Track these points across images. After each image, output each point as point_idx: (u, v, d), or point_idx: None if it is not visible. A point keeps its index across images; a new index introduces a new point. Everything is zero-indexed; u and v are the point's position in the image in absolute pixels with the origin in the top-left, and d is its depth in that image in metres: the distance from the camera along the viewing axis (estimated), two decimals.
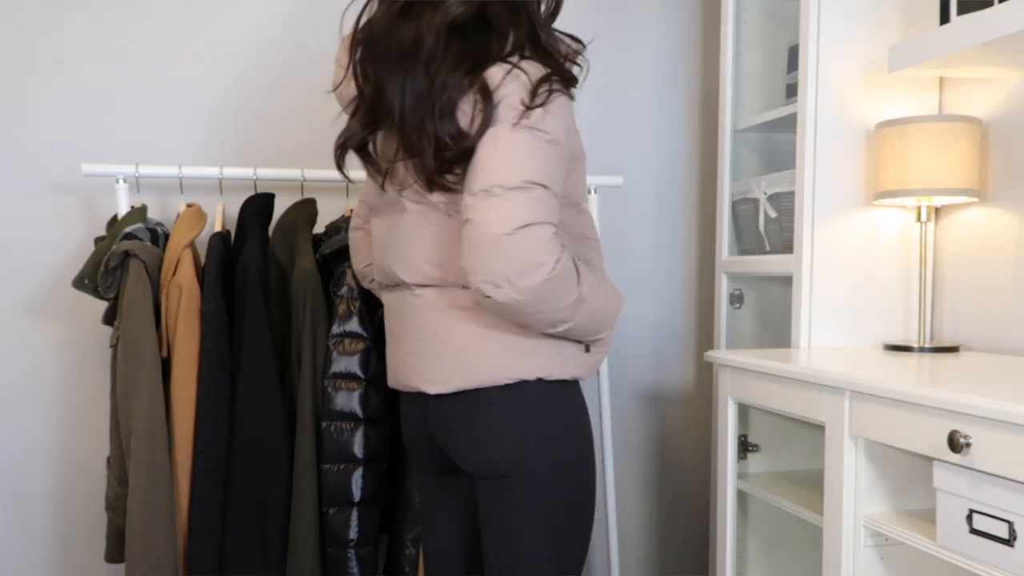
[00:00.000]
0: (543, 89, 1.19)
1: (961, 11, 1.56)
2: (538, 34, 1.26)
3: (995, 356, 1.65)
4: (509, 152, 1.16)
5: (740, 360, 1.64)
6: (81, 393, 2.13)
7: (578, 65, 1.30)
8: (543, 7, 1.29)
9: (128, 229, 1.82)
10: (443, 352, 1.29)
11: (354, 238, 1.55)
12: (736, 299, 2.17)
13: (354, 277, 1.83)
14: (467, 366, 1.28)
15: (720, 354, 1.72)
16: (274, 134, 2.20)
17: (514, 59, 1.23)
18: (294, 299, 1.83)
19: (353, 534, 1.81)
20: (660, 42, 2.47)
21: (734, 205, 2.13)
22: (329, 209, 2.20)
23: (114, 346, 1.80)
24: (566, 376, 1.32)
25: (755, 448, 1.80)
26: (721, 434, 1.77)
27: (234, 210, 2.13)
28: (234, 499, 1.78)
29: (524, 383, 1.29)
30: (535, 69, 1.22)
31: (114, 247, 1.77)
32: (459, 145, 1.19)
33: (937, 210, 1.89)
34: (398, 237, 1.33)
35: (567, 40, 1.30)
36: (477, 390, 1.29)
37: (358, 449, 1.80)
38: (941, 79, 1.88)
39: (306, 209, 1.93)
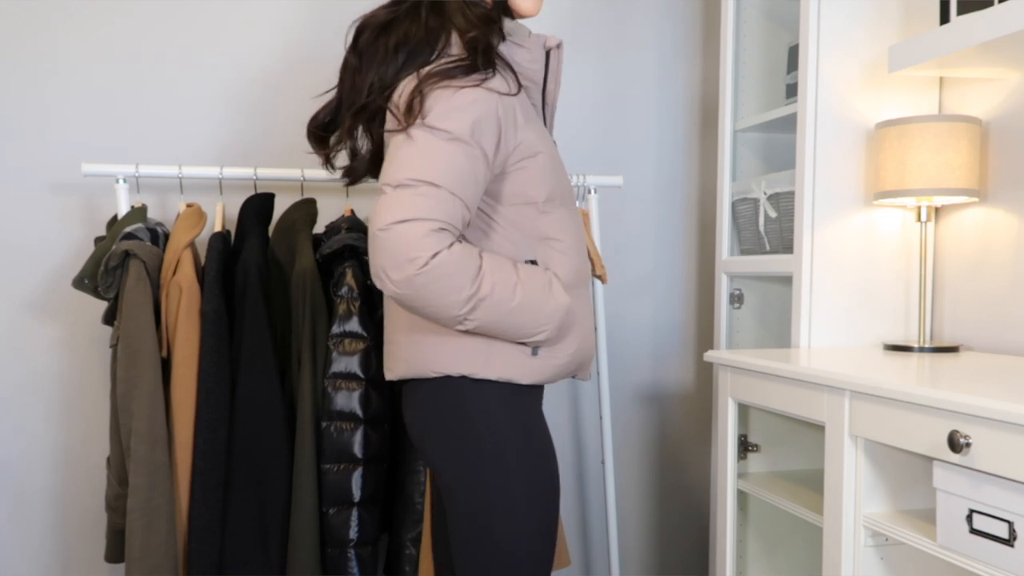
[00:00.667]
0: (429, 88, 1.23)
1: (961, 11, 1.56)
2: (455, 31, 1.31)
3: (995, 356, 1.65)
4: (400, 152, 1.21)
5: (740, 360, 1.64)
6: (81, 393, 2.13)
7: (495, 56, 1.28)
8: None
9: (128, 229, 1.82)
10: (394, 341, 1.38)
11: None
12: (736, 299, 2.17)
13: (354, 277, 1.83)
14: (405, 356, 1.34)
15: (720, 354, 1.72)
16: (274, 134, 2.20)
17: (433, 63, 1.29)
18: (294, 299, 1.83)
19: (353, 534, 1.81)
20: (660, 42, 2.47)
21: (734, 205, 2.13)
22: (329, 209, 2.20)
23: (114, 346, 1.80)
24: (492, 376, 1.29)
25: (755, 448, 1.80)
26: (721, 434, 1.77)
27: (234, 210, 2.13)
28: (234, 499, 1.78)
29: (449, 378, 1.31)
30: (430, 69, 1.25)
31: (114, 247, 1.77)
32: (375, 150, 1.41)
33: (937, 210, 1.89)
34: None
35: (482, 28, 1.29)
36: (415, 380, 1.34)
37: (358, 449, 1.80)
38: (941, 79, 1.88)
39: (306, 209, 1.93)
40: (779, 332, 2.19)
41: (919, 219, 1.77)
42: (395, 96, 1.29)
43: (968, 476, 1.16)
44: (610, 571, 2.25)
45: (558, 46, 1.38)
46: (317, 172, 2.00)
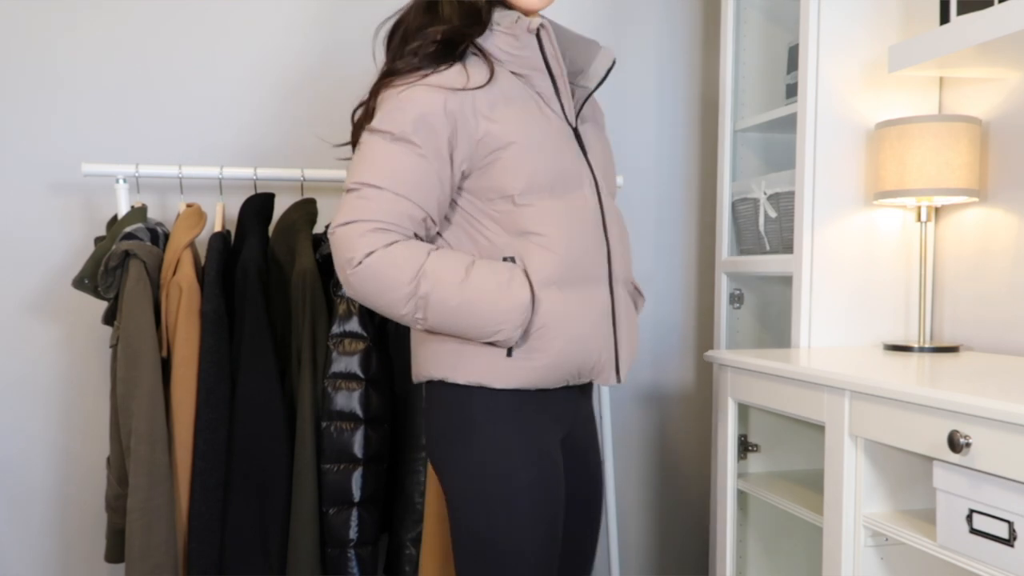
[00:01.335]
0: (380, 88, 1.29)
1: (961, 11, 1.56)
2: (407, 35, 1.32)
3: (995, 356, 1.65)
4: (354, 156, 1.28)
5: (740, 360, 1.64)
6: (81, 393, 2.13)
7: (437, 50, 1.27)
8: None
9: (128, 229, 1.82)
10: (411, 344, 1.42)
11: None
12: (736, 299, 2.17)
13: None
14: (413, 360, 1.39)
15: (720, 354, 1.72)
16: (274, 134, 2.20)
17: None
18: (294, 299, 1.83)
19: (353, 534, 1.81)
20: (660, 42, 2.47)
21: (734, 205, 2.13)
22: (329, 209, 2.20)
23: (114, 346, 1.80)
24: (461, 381, 1.27)
25: (755, 448, 1.80)
26: (721, 434, 1.77)
27: (234, 210, 2.13)
28: (234, 499, 1.78)
29: (431, 383, 1.33)
30: (385, 68, 1.31)
31: (114, 247, 1.77)
32: None
33: (937, 210, 1.89)
34: None
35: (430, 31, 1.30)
36: (420, 384, 1.43)
37: (358, 449, 1.80)
38: (941, 79, 1.88)
39: (306, 209, 1.93)
40: (779, 332, 2.19)
41: (919, 219, 1.77)
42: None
43: (968, 476, 1.16)
44: (610, 571, 2.25)
45: (541, 27, 1.30)
46: (317, 172, 2.00)
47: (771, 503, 1.68)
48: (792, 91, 1.99)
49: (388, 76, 1.28)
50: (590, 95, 1.39)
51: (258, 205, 1.92)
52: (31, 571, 2.11)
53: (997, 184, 1.74)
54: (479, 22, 1.30)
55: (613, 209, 1.39)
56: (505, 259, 1.27)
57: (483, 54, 1.29)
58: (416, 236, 1.26)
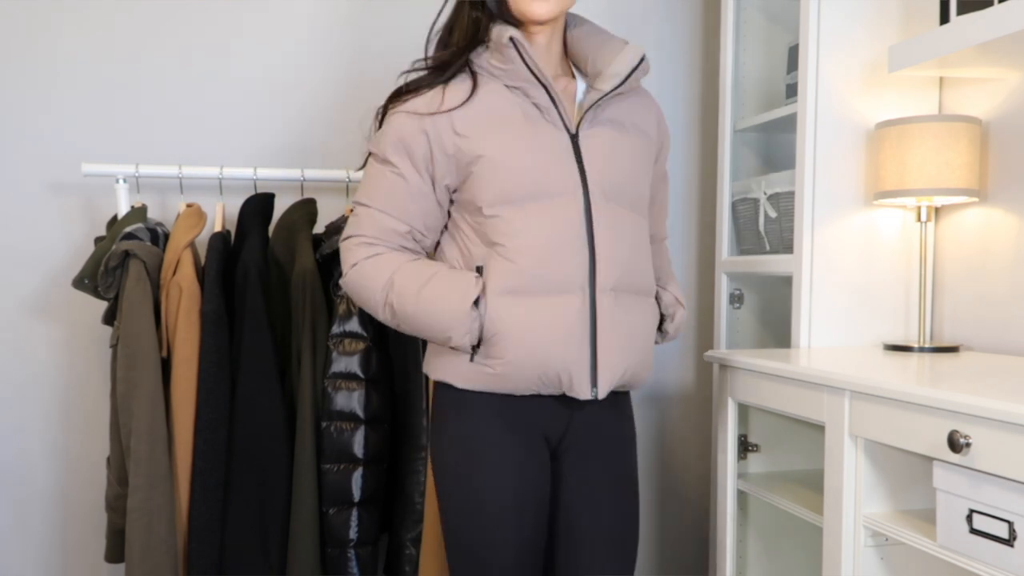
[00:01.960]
0: (381, 114, 1.42)
1: (961, 11, 1.56)
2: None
3: (995, 356, 1.65)
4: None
5: (740, 360, 1.64)
6: (81, 393, 2.13)
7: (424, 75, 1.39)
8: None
9: (128, 229, 1.82)
10: None
11: None
12: (736, 299, 2.17)
13: None
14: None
15: (720, 354, 1.72)
16: (274, 134, 2.20)
17: None
18: (294, 299, 1.83)
19: (353, 534, 1.81)
20: (660, 42, 2.47)
21: (734, 205, 2.13)
22: (329, 209, 2.20)
23: (114, 346, 1.80)
24: (435, 377, 1.40)
25: (755, 448, 1.80)
26: (721, 434, 1.77)
27: (234, 210, 2.13)
28: (234, 499, 1.78)
29: (434, 383, 1.44)
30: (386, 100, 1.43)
31: (114, 247, 1.77)
32: None
33: (937, 210, 1.89)
34: None
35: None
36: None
37: (358, 449, 1.80)
38: (941, 79, 1.88)
39: (306, 209, 1.93)
40: (779, 332, 2.19)
41: (919, 219, 1.77)
42: None
43: (968, 476, 1.16)
44: None
45: (513, 38, 1.31)
46: (317, 172, 2.00)
47: (771, 503, 1.68)
48: (792, 91, 1.99)
49: (388, 101, 1.40)
50: (603, 97, 1.36)
51: (258, 205, 1.92)
52: (31, 571, 2.11)
53: (997, 184, 1.74)
54: (474, 43, 1.36)
55: (612, 216, 1.34)
56: (478, 268, 1.33)
57: (472, 72, 1.36)
58: (405, 247, 1.38)
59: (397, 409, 1.92)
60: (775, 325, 2.19)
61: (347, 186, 2.09)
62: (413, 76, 1.39)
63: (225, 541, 1.78)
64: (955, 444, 1.13)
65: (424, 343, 1.88)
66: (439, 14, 1.44)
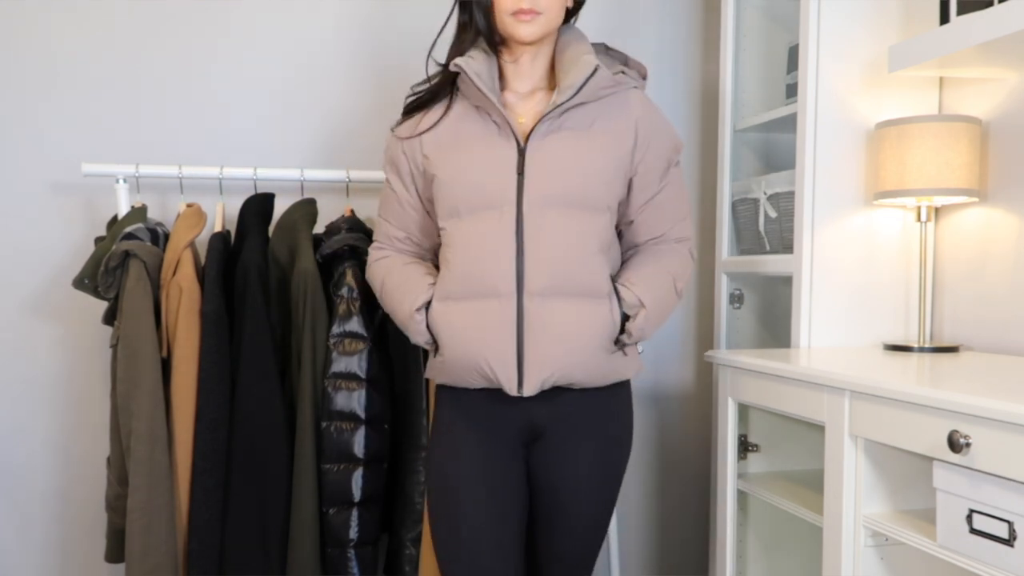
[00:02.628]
0: None
1: (961, 11, 1.56)
2: None
3: (995, 356, 1.65)
4: None
5: (740, 360, 1.64)
6: (81, 393, 2.13)
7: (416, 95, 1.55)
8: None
9: (128, 229, 1.82)
10: None
11: None
12: (736, 299, 2.17)
13: (354, 277, 1.83)
14: None
15: (720, 354, 1.72)
16: (274, 134, 2.20)
17: None
18: (294, 299, 1.83)
19: (353, 534, 1.81)
20: (660, 42, 2.47)
21: (734, 205, 2.13)
22: (329, 209, 2.20)
23: (114, 346, 1.80)
24: (427, 375, 1.54)
25: (755, 448, 1.80)
26: (721, 434, 1.77)
27: (234, 210, 2.13)
28: (234, 499, 1.78)
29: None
30: None
31: (114, 247, 1.77)
32: None
33: (937, 210, 1.89)
34: None
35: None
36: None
37: (358, 449, 1.80)
38: (941, 79, 1.88)
39: (306, 209, 1.93)
40: (779, 332, 2.19)
41: (919, 219, 1.77)
42: None
43: (968, 476, 1.16)
44: (610, 571, 2.25)
45: (455, 64, 1.43)
46: (317, 172, 2.00)
47: (771, 503, 1.68)
48: (792, 91, 1.99)
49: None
50: (557, 108, 1.40)
51: (258, 205, 1.92)
52: (31, 571, 2.11)
53: (997, 184, 1.74)
54: (451, 75, 1.48)
55: (552, 222, 1.38)
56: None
57: (452, 93, 1.49)
58: (407, 250, 1.57)
59: (397, 409, 1.92)
60: (775, 325, 2.19)
61: (347, 186, 2.09)
62: (412, 98, 1.54)
63: (225, 541, 1.78)
64: (955, 444, 1.13)
65: None
66: (438, 35, 1.54)
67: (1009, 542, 1.10)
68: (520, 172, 1.40)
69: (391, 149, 1.54)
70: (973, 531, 1.16)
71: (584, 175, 1.41)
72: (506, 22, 1.40)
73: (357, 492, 1.81)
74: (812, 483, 1.73)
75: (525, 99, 1.48)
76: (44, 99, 2.08)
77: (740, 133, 2.16)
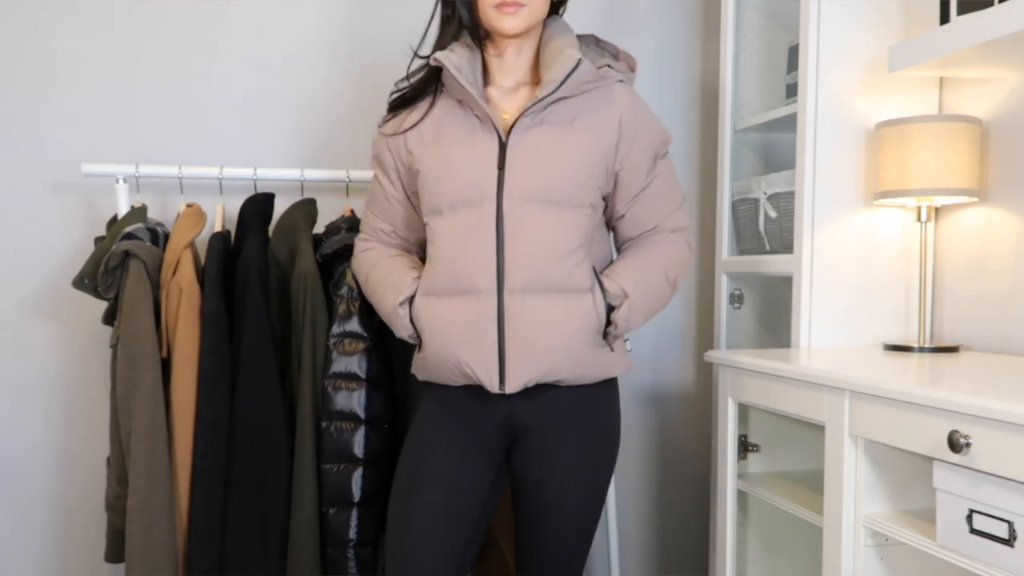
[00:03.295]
0: None
1: (961, 11, 1.56)
2: None
3: (995, 356, 1.65)
4: None
5: (740, 360, 1.64)
6: (81, 393, 2.13)
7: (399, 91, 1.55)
8: None
9: (128, 229, 1.82)
10: None
11: None
12: (736, 299, 2.17)
13: (354, 277, 1.83)
14: None
15: (720, 354, 1.72)
16: (274, 134, 2.20)
17: None
18: (294, 299, 1.83)
19: (353, 534, 1.81)
20: (660, 42, 2.47)
21: (734, 205, 2.13)
22: (329, 209, 2.20)
23: (114, 346, 1.80)
24: (413, 371, 1.55)
25: (755, 448, 1.80)
26: (721, 434, 1.77)
27: (234, 210, 2.13)
28: (234, 499, 1.78)
29: None
30: None
31: (114, 247, 1.77)
32: None
33: (937, 210, 1.89)
34: None
35: None
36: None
37: (358, 449, 1.80)
38: (941, 79, 1.88)
39: (306, 209, 1.93)
40: (779, 332, 2.19)
41: (919, 219, 1.77)
42: None
43: (968, 476, 1.16)
44: (610, 571, 2.25)
45: (435, 59, 1.44)
46: (317, 172, 2.00)
47: (771, 503, 1.68)
48: (792, 91, 1.99)
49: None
50: (539, 102, 1.40)
51: (258, 205, 1.92)
52: (31, 571, 2.11)
53: (997, 184, 1.74)
54: (434, 70, 1.49)
55: (532, 217, 1.38)
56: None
57: (437, 88, 1.50)
58: (392, 243, 1.61)
59: (397, 409, 1.92)
60: (775, 325, 2.19)
61: (347, 186, 2.09)
62: (396, 95, 1.55)
63: (225, 541, 1.78)
64: (955, 444, 1.13)
65: None
66: (424, 35, 1.53)
67: (1009, 542, 1.10)
68: (500, 167, 1.39)
69: (377, 145, 1.56)
70: (973, 531, 1.16)
71: (565, 169, 1.40)
72: (489, 15, 1.39)
73: (357, 492, 1.81)
74: (812, 483, 1.73)
75: (509, 94, 1.48)
76: (44, 99, 2.08)
77: (740, 133, 2.16)
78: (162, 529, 1.74)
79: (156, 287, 1.80)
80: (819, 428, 1.83)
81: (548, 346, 1.38)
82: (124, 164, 1.93)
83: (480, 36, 1.46)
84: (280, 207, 2.14)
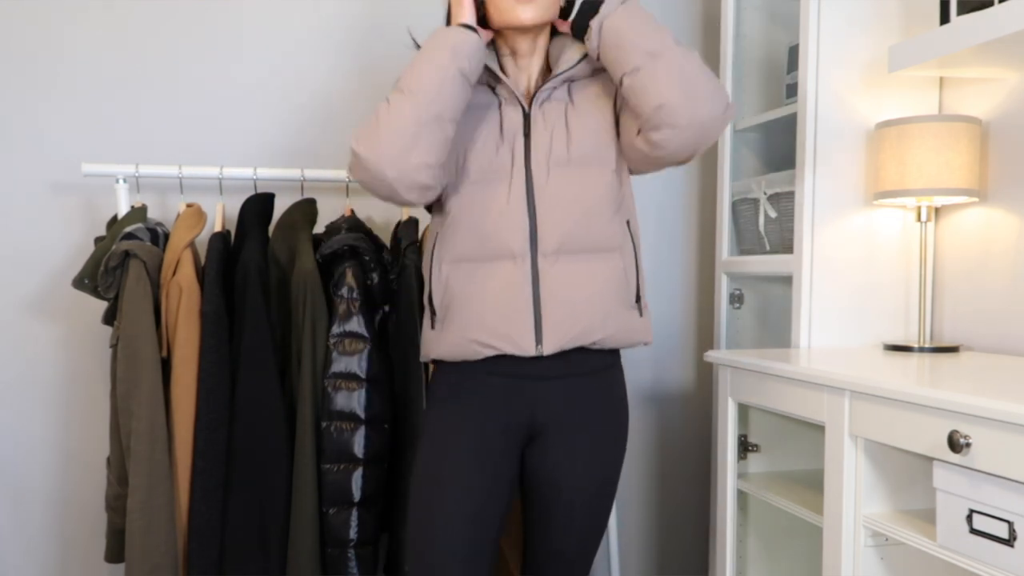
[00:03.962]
0: None
1: (961, 11, 1.56)
2: None
3: (995, 356, 1.65)
4: None
5: (740, 360, 1.64)
6: (81, 393, 2.13)
7: None
8: None
9: (128, 229, 1.82)
10: None
11: None
12: (736, 299, 2.17)
13: (354, 277, 1.83)
14: None
15: (720, 354, 1.72)
16: (274, 134, 2.20)
17: None
18: (294, 299, 1.83)
19: (353, 534, 1.81)
20: None
21: (734, 205, 2.13)
22: (329, 209, 2.20)
23: (114, 346, 1.80)
24: (427, 356, 1.49)
25: (755, 448, 1.80)
26: (721, 434, 1.77)
27: (234, 210, 2.13)
28: (234, 499, 1.78)
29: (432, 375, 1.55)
30: None
31: (114, 247, 1.77)
32: None
33: (937, 210, 1.89)
34: None
35: None
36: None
37: (358, 449, 1.80)
38: (941, 79, 1.88)
39: (306, 209, 1.93)
40: (779, 332, 2.19)
41: (919, 219, 1.77)
42: None
43: (968, 476, 1.16)
44: (610, 571, 2.25)
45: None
46: (317, 172, 2.00)
47: (771, 503, 1.68)
48: (792, 91, 1.99)
49: None
50: (554, 78, 1.45)
51: (258, 205, 1.92)
52: (31, 571, 2.11)
53: (997, 184, 1.74)
54: None
55: (560, 182, 1.41)
56: (438, 234, 1.47)
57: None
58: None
59: (397, 409, 1.92)
60: (775, 325, 2.19)
61: (347, 186, 2.09)
62: None
63: (225, 541, 1.78)
64: (955, 444, 1.13)
65: None
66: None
67: (1009, 542, 1.10)
68: (526, 135, 1.44)
69: None
70: (973, 531, 1.16)
71: (589, 132, 1.45)
72: (505, 6, 1.40)
73: (357, 492, 1.81)
74: (812, 483, 1.73)
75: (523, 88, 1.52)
76: (44, 99, 2.08)
77: (740, 133, 2.16)
78: (162, 529, 1.74)
79: (156, 287, 1.80)
80: (819, 428, 1.83)
81: (584, 307, 1.40)
82: (124, 164, 1.93)
83: (492, 40, 1.49)
84: (280, 207, 2.14)
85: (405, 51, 2.26)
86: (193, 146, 2.16)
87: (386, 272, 1.92)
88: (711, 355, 1.74)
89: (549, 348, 1.39)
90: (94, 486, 2.13)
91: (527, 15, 1.40)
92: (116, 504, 1.82)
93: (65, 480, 2.12)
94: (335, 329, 1.81)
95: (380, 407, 1.84)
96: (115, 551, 1.86)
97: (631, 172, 1.52)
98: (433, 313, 1.45)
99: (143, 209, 1.92)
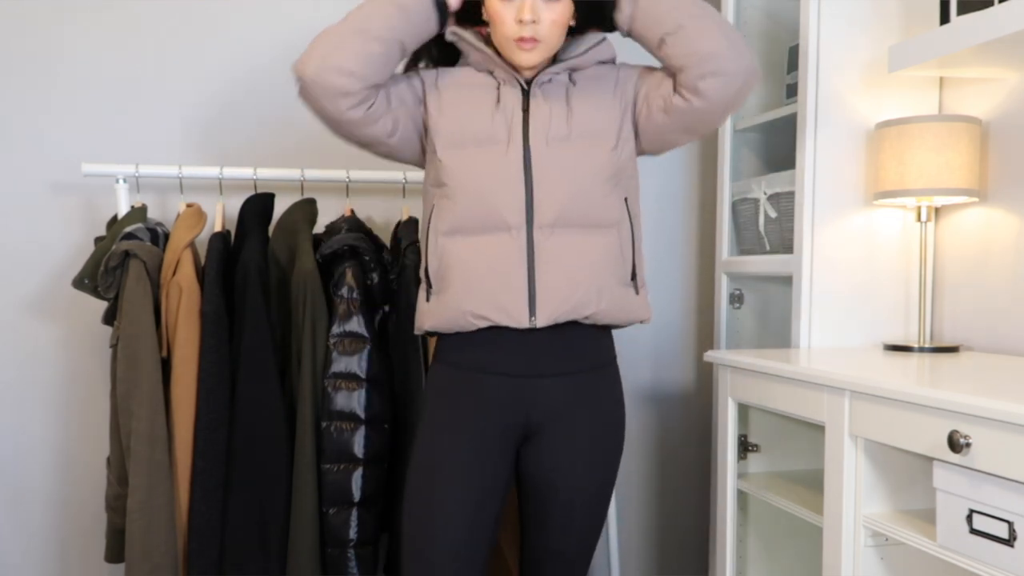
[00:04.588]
0: None
1: (961, 11, 1.56)
2: None
3: (995, 356, 1.65)
4: None
5: (740, 360, 1.64)
6: (81, 393, 2.13)
7: None
8: None
9: (128, 229, 1.82)
10: None
11: None
12: (736, 299, 2.17)
13: (354, 277, 1.83)
14: None
15: (720, 354, 1.72)
16: (274, 134, 2.20)
17: None
18: (294, 299, 1.83)
19: (353, 534, 1.81)
20: None
21: (734, 205, 2.13)
22: (329, 209, 2.20)
23: (114, 346, 1.80)
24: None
25: (755, 448, 1.80)
26: (721, 434, 1.77)
27: (234, 210, 2.13)
28: (234, 499, 1.78)
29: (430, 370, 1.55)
30: None
31: (114, 247, 1.77)
32: None
33: (937, 210, 1.89)
34: None
35: None
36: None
37: (358, 449, 1.80)
38: (941, 79, 1.88)
39: (306, 209, 1.93)
40: (779, 332, 2.19)
41: (919, 219, 1.77)
42: None
43: (968, 476, 1.16)
44: (610, 571, 2.25)
45: (451, 34, 1.48)
46: (317, 172, 2.00)
47: (771, 503, 1.68)
48: (792, 91, 1.99)
49: None
50: (556, 64, 1.46)
51: (258, 205, 1.92)
52: (31, 570, 2.11)
53: (997, 184, 1.74)
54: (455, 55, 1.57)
55: (557, 156, 1.42)
56: (433, 206, 1.46)
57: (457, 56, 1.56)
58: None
59: (397, 409, 1.92)
60: (775, 325, 2.19)
61: (347, 186, 2.09)
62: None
63: (225, 541, 1.78)
64: (955, 444, 1.13)
65: (423, 340, 1.88)
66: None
67: (1009, 542, 1.10)
68: (525, 110, 1.44)
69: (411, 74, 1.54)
70: (973, 531, 1.16)
71: (586, 111, 1.46)
72: (509, 47, 1.42)
73: (357, 492, 1.81)
74: (812, 483, 1.73)
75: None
76: (44, 99, 2.08)
77: (740, 133, 2.16)
78: (162, 529, 1.74)
79: (156, 287, 1.80)
80: (819, 428, 1.82)
81: (579, 280, 1.41)
82: (124, 164, 1.93)
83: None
84: (280, 207, 2.14)
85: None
86: (193, 146, 2.16)
87: (386, 272, 1.92)
88: (711, 355, 1.74)
89: (543, 320, 1.40)
90: (94, 486, 2.13)
91: (527, 59, 1.42)
92: (116, 504, 1.82)
93: (65, 480, 2.12)
94: (335, 329, 1.81)
95: (380, 407, 1.84)
96: (115, 551, 1.86)
97: (648, 152, 1.52)
98: (429, 285, 1.45)
99: (143, 209, 1.92)
